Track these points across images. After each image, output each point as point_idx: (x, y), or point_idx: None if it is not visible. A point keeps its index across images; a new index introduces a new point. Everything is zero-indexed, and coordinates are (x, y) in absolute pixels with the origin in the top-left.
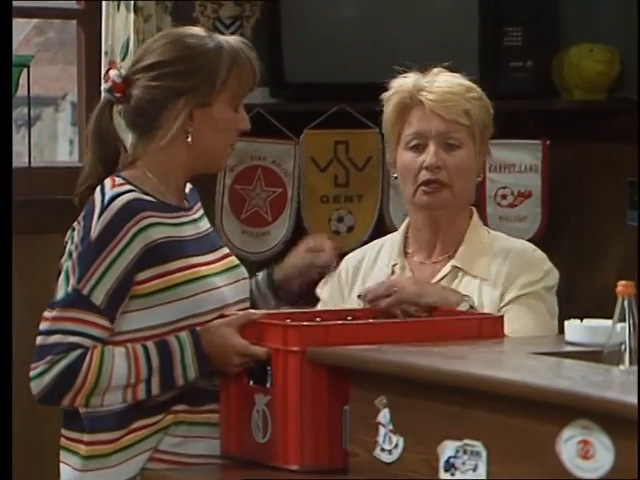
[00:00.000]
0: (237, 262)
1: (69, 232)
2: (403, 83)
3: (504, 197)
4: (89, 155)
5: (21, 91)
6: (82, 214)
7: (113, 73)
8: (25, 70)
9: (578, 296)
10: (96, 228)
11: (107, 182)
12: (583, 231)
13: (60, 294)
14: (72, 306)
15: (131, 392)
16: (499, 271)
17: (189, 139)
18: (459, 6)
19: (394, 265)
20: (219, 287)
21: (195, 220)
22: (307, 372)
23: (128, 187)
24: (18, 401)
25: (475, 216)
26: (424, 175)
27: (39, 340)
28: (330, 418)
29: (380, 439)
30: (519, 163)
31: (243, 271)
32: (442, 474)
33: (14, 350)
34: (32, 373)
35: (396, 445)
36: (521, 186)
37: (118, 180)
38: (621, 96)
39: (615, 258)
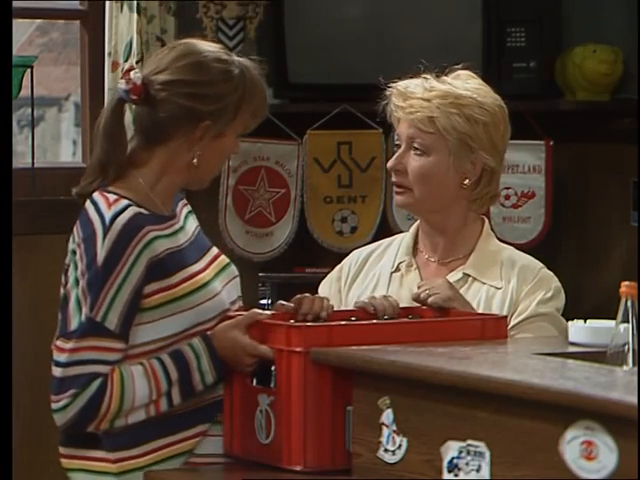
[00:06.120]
0: (227, 261)
1: (69, 255)
2: (398, 85)
3: (507, 197)
4: (97, 152)
5: (24, 92)
6: (80, 235)
7: (134, 75)
8: (28, 71)
9: (582, 297)
10: (101, 252)
11: (100, 201)
12: (587, 232)
13: (74, 324)
14: (88, 335)
15: (153, 407)
16: (508, 281)
17: (195, 161)
18: (463, 7)
19: (400, 263)
20: (219, 293)
21: (183, 227)
22: (310, 373)
23: (125, 202)
24: (18, 400)
25: (486, 225)
26: (392, 176)
27: (58, 372)
28: (333, 419)
29: (383, 440)
30: (523, 164)
31: (234, 269)
32: (445, 475)
33: (14, 351)
34: (55, 406)
35: (399, 446)
36: (525, 187)
37: (111, 196)
38: (625, 97)
39: (619, 259)
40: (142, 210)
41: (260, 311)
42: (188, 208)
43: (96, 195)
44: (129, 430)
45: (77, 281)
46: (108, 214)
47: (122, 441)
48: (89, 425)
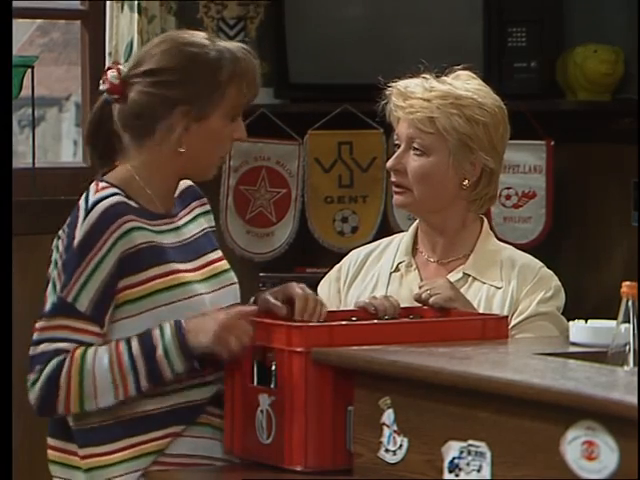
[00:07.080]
0: (226, 267)
1: (55, 240)
2: (397, 85)
3: (508, 198)
4: (89, 154)
5: (25, 92)
6: (67, 221)
7: (110, 75)
8: (29, 71)
9: (583, 297)
10: (79, 234)
11: (91, 188)
12: (587, 232)
13: (48, 304)
14: (58, 314)
15: (122, 389)
16: (508, 281)
17: (182, 148)
18: (463, 7)
19: (400, 263)
20: (200, 294)
21: (178, 227)
22: (311, 373)
23: (112, 190)
24: (18, 401)
25: (486, 225)
26: (391, 176)
27: (30, 351)
28: (334, 419)
29: (384, 440)
30: (523, 164)
31: (232, 276)
32: (446, 475)
33: (14, 351)
34: (27, 385)
35: (400, 446)
36: (525, 187)
37: (102, 184)
38: (625, 97)
39: (620, 259)
40: (130, 202)
41: (244, 307)
42: (202, 209)
43: (92, 184)
44: (98, 427)
45: (56, 263)
46: (92, 199)
47: (91, 437)
48: (57, 404)
